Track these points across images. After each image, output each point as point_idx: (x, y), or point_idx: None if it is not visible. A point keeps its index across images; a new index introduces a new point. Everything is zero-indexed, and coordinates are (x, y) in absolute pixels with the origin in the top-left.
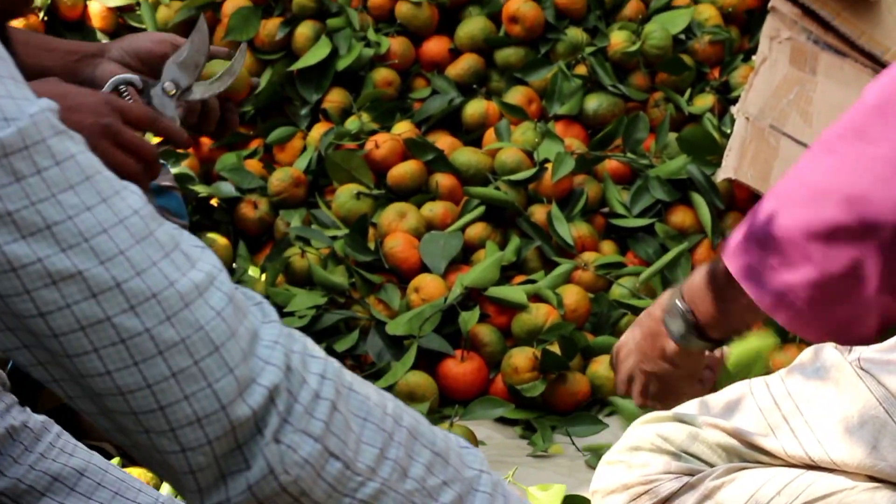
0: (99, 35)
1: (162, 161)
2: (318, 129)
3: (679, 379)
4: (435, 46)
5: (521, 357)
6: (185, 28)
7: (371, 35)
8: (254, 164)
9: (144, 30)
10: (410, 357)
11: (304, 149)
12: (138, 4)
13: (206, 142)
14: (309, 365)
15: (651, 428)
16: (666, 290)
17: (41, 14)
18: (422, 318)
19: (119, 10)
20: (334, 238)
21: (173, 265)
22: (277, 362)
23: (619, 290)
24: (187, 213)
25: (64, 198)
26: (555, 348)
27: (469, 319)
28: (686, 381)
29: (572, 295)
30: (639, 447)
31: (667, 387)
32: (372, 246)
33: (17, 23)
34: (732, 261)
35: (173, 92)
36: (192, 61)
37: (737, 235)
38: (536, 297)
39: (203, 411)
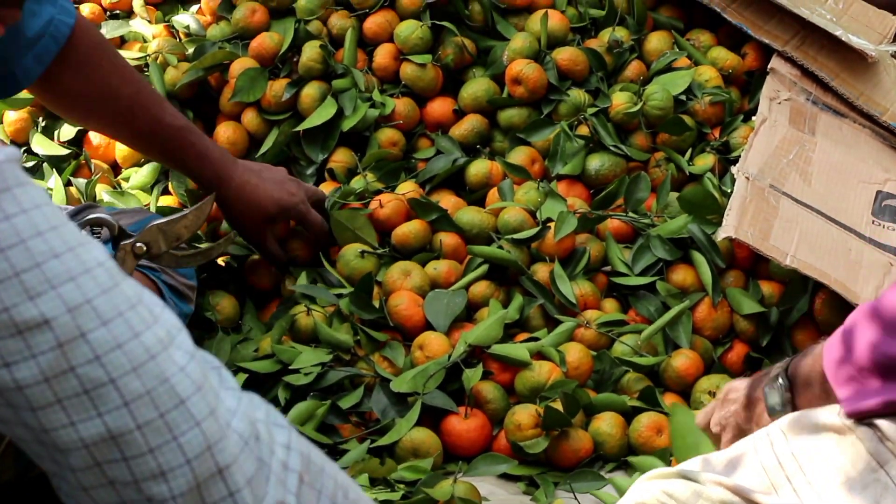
0: None
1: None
2: (324, 189)
3: None
4: (439, 107)
5: (524, 414)
6: (191, 89)
7: (376, 96)
8: None
9: None
10: (415, 414)
11: None
12: (147, 66)
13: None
14: (275, 434)
15: (656, 484)
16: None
17: None
18: (426, 376)
19: None
20: (339, 296)
21: (139, 317)
22: (242, 426)
23: (621, 348)
24: (195, 273)
25: (33, 244)
26: (557, 405)
27: (472, 377)
28: None
29: (575, 352)
30: (644, 503)
31: None
32: (377, 304)
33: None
34: (832, 373)
35: (141, 252)
36: (176, 234)
37: (837, 347)
38: (539, 355)
39: (168, 465)
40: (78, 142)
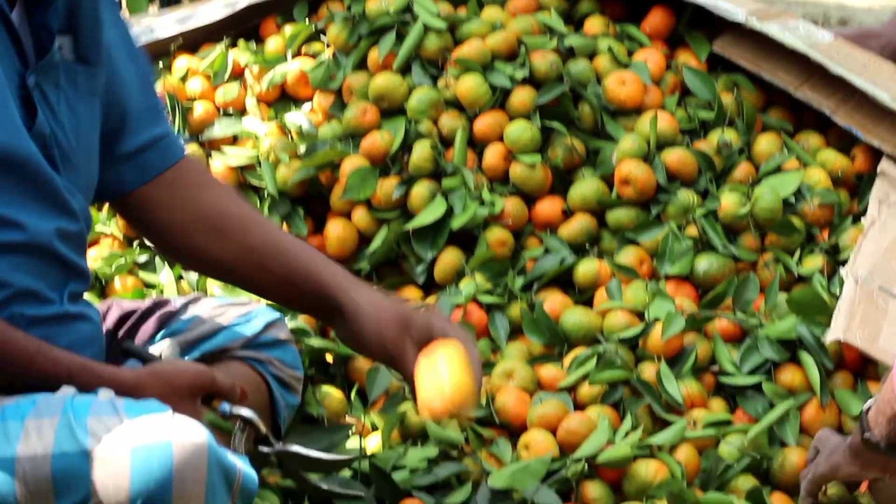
0: None
1: (279, 313)
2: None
3: None
4: (548, 207)
5: None
6: (302, 187)
7: (485, 195)
8: None
9: (264, 189)
10: None
11: None
12: (259, 163)
13: None
14: None
15: None
16: None
17: None
18: (529, 473)
19: (241, 169)
20: None
21: None
22: None
23: (727, 448)
24: (302, 365)
25: None
26: None
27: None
28: None
29: (682, 452)
30: None
31: None
32: (484, 402)
33: None
34: None
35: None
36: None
37: None
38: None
39: None
40: None
